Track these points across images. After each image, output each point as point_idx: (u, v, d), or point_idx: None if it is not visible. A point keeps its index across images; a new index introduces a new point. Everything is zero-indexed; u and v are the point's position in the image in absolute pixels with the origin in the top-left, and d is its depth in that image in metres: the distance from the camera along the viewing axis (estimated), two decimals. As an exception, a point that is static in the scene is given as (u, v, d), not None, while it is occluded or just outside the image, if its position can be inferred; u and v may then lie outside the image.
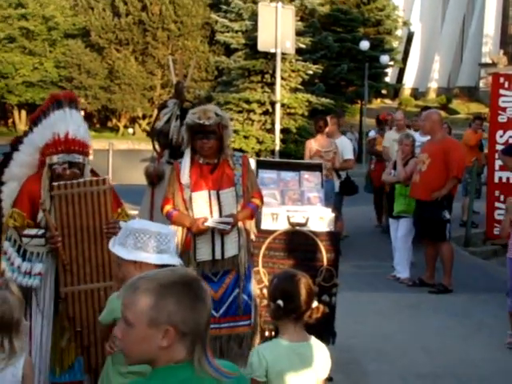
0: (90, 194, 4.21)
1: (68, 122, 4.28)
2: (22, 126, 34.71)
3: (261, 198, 4.90)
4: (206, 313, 1.90)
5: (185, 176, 4.70)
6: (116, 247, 3.19)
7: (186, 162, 4.73)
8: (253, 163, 5.56)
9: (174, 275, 1.92)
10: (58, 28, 33.94)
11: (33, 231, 4.19)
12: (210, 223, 4.63)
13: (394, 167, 8.88)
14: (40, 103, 32.83)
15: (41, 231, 4.18)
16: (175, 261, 3.16)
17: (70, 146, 4.24)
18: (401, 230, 8.68)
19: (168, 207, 4.77)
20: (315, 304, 3.14)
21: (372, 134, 12.47)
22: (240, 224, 4.78)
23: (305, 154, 9.89)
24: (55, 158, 4.22)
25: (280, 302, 3.05)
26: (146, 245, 3.12)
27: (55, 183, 4.17)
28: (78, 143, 4.27)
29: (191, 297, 1.88)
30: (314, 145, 9.75)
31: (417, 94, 43.55)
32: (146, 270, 3.02)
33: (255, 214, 4.96)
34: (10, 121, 36.14)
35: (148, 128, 27.13)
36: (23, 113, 35.44)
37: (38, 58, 33.86)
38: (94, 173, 4.45)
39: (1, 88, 33.70)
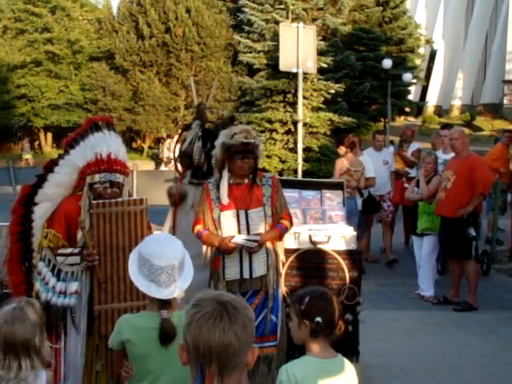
0: (128, 213, 4.28)
1: (109, 143, 4.38)
2: (47, 148, 35.10)
3: (290, 219, 4.91)
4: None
5: (224, 196, 4.73)
6: (131, 259, 3.25)
7: (224, 182, 4.75)
8: None
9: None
10: (83, 51, 34.37)
11: (67, 250, 4.24)
12: (237, 240, 4.66)
13: (417, 185, 8.86)
14: (65, 125, 33.25)
15: (76, 249, 4.23)
16: (161, 294, 3.18)
17: (112, 166, 4.32)
18: (425, 248, 8.64)
19: (198, 227, 4.82)
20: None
21: (391, 150, 12.32)
22: (268, 244, 4.80)
23: (335, 172, 9.87)
24: (97, 177, 4.30)
25: (319, 319, 3.06)
26: (141, 269, 3.21)
27: (94, 201, 4.24)
28: (119, 163, 4.36)
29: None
30: (345, 163, 9.70)
31: (440, 111, 43.38)
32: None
33: (284, 235, 4.98)
34: (36, 143, 36.56)
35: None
36: (49, 135, 35.85)
37: (63, 81, 34.28)
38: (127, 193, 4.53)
39: (27, 111, 34.13)
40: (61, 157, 4.53)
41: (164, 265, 3.15)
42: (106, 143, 4.38)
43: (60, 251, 4.23)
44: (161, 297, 3.16)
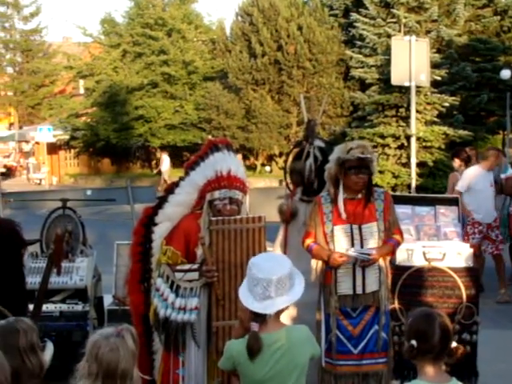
0: (246, 230, 4.34)
1: (229, 162, 4.50)
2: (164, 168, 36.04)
3: (401, 234, 4.86)
4: None
5: (341, 211, 4.73)
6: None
7: (340, 197, 4.76)
8: None
9: None
10: (198, 72, 35.15)
11: (186, 266, 4.32)
12: (350, 252, 4.63)
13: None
14: (181, 145, 34.04)
15: (194, 265, 4.30)
16: (254, 306, 3.15)
17: (232, 183, 4.41)
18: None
19: (309, 241, 4.83)
20: (454, 344, 3.03)
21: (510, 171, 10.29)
22: (380, 260, 4.74)
23: (448, 187, 9.59)
24: (217, 194, 4.39)
25: (414, 343, 2.97)
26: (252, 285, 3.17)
27: (214, 218, 4.31)
28: (239, 180, 4.45)
29: None
30: (459, 177, 9.40)
31: None
32: None
33: (396, 250, 4.91)
34: (154, 162, 37.61)
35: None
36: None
37: (178, 102, 35.15)
38: None
39: (145, 132, 35.20)
40: (181, 178, 4.67)
41: (260, 277, 3.14)
42: (226, 161, 4.49)
43: (178, 267, 4.31)
44: (253, 309, 3.14)
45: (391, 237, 4.77)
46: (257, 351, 3.10)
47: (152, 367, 4.38)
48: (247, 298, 3.16)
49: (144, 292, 4.54)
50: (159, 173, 31.67)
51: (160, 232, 4.54)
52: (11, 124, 48.49)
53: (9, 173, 40.98)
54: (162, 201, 4.67)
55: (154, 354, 4.45)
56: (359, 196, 4.77)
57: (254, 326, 3.13)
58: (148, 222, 4.63)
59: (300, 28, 31.35)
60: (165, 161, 31.47)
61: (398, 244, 4.82)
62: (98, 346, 3.16)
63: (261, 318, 3.16)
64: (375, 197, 4.79)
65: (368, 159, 4.65)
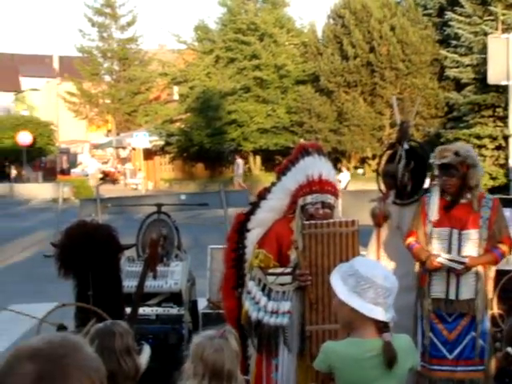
0: (339, 234, 4.32)
1: (320, 166, 4.49)
2: (256, 171, 36.27)
3: (510, 244, 4.70)
4: None
5: (433, 212, 4.70)
6: (336, 279, 3.19)
7: (434, 198, 4.75)
8: None
9: None
10: (290, 75, 35.23)
11: (278, 269, 4.33)
12: (441, 259, 4.54)
13: None
14: (273, 149, 34.20)
15: (287, 269, 4.32)
16: (386, 317, 3.08)
17: (324, 187, 4.41)
18: None
19: (411, 239, 4.82)
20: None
21: None
22: (480, 268, 4.63)
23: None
24: (309, 199, 4.39)
25: (510, 350, 2.87)
26: (364, 292, 3.06)
27: (306, 222, 4.32)
28: (330, 184, 4.44)
29: None
30: None
31: None
32: (353, 316, 3.01)
33: (500, 261, 4.78)
34: (246, 166, 37.92)
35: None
36: (258, 158, 37.07)
37: (270, 106, 35.33)
38: None
39: (237, 136, 35.55)
40: (273, 184, 4.70)
41: (389, 286, 3.10)
42: (317, 166, 4.48)
43: (271, 271, 4.33)
44: (386, 319, 3.09)
45: (496, 246, 4.64)
46: (394, 360, 3.05)
47: (247, 372, 4.41)
48: (375, 311, 3.09)
49: (238, 298, 4.57)
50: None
51: (252, 238, 4.58)
52: (109, 131, 49.94)
53: (107, 179, 42.20)
54: (254, 207, 4.71)
55: (248, 359, 4.47)
56: (463, 200, 4.70)
57: (388, 336, 3.08)
58: (241, 228, 4.68)
59: (393, 28, 30.94)
60: (239, 165, 31.75)
61: (502, 254, 4.67)
62: (203, 347, 3.21)
63: (387, 328, 3.10)
64: (483, 203, 4.70)
65: (444, 164, 4.63)
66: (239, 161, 31.88)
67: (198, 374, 3.20)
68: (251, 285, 4.38)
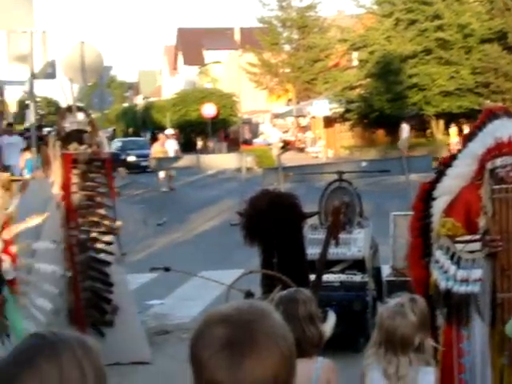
0: None
1: (509, 128, 4.35)
2: (439, 136, 35.25)
3: None
4: None
5: None
6: None
7: None
8: None
9: None
10: (474, 34, 33.76)
11: (467, 237, 4.23)
12: None
13: None
14: (456, 111, 33.05)
15: (476, 236, 4.20)
16: None
17: None
18: None
19: None
20: None
21: None
22: None
23: None
24: (498, 161, 4.25)
25: None
26: None
27: (496, 186, 4.18)
28: None
29: None
30: None
31: None
32: None
33: None
34: (428, 131, 36.94)
35: None
36: (441, 122, 36.00)
37: (454, 67, 34.11)
38: None
39: (419, 100, 34.70)
40: (459, 151, 4.62)
41: None
42: (506, 128, 4.33)
43: (459, 238, 4.22)
44: None
45: None
46: None
47: (437, 342, 4.32)
48: None
49: (426, 267, 4.49)
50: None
51: (439, 206, 4.48)
52: (289, 100, 50.50)
53: (288, 148, 42.84)
54: (439, 174, 4.61)
55: (437, 330, 4.39)
56: None
57: None
58: (426, 196, 4.60)
59: None
60: (404, 130, 30.85)
61: None
62: (381, 315, 3.34)
63: None
64: None
65: None
66: (404, 125, 31.10)
67: (376, 342, 3.31)
68: (439, 254, 4.28)
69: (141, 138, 43.85)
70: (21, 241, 5.16)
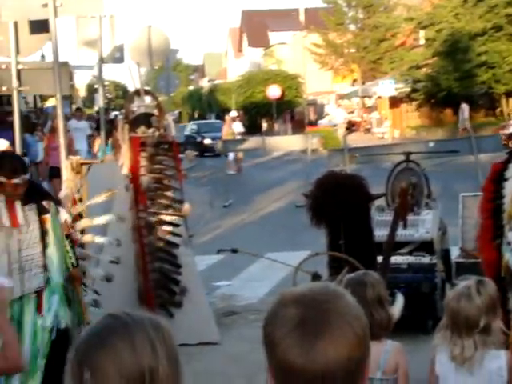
0: None
1: None
2: (509, 115, 34.39)
3: None
4: None
5: None
6: None
7: None
8: None
9: None
10: (546, 10, 32.81)
11: None
12: None
13: None
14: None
15: None
16: None
17: None
18: None
19: None
20: None
21: None
22: None
23: None
24: None
25: None
26: None
27: None
28: None
29: None
30: None
31: None
32: None
33: None
34: (498, 110, 36.09)
35: None
36: (511, 101, 35.12)
37: (525, 44, 33.24)
38: None
39: (488, 78, 33.89)
40: None
41: None
42: None
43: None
44: None
45: None
46: None
47: (508, 327, 4.24)
48: None
49: (497, 249, 4.41)
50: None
51: (510, 187, 4.37)
52: (354, 80, 49.99)
53: (354, 128, 42.46)
54: (511, 155, 4.49)
55: (510, 313, 4.30)
56: None
57: None
58: (498, 177, 4.50)
59: None
60: (463, 110, 30.15)
61: None
62: (447, 297, 3.36)
63: None
64: None
65: None
66: (464, 105, 30.40)
67: (444, 324, 3.31)
68: (511, 235, 4.19)
69: (216, 121, 44.11)
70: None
